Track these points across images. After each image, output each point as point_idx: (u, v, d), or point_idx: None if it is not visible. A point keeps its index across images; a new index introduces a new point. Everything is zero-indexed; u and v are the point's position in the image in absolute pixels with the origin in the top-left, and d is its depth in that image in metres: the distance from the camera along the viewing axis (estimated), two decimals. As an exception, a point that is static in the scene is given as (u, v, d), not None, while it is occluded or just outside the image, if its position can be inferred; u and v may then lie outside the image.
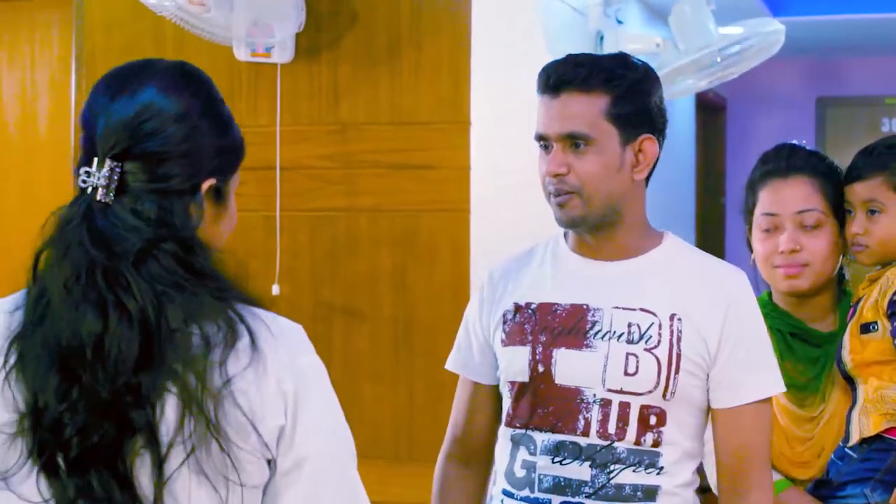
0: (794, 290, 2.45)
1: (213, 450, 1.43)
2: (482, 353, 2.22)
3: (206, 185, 1.53)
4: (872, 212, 2.39)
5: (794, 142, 2.54)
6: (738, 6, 4.01)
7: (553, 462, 2.06)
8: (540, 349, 2.09)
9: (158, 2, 3.34)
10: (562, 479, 2.06)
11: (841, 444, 2.36)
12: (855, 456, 2.31)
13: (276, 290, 3.46)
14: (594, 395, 2.05)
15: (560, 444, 2.06)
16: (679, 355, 2.05)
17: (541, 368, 2.09)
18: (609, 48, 3.28)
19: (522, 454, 2.10)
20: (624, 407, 2.05)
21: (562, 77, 2.06)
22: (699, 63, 3.31)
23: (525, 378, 2.10)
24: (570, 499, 2.05)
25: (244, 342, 1.46)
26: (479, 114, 3.45)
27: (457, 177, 3.47)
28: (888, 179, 2.37)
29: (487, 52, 3.44)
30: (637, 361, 2.04)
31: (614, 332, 2.06)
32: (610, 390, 2.05)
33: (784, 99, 7.41)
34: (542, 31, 3.21)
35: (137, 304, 1.42)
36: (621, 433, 2.04)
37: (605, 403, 2.05)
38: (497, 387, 2.21)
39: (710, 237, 6.71)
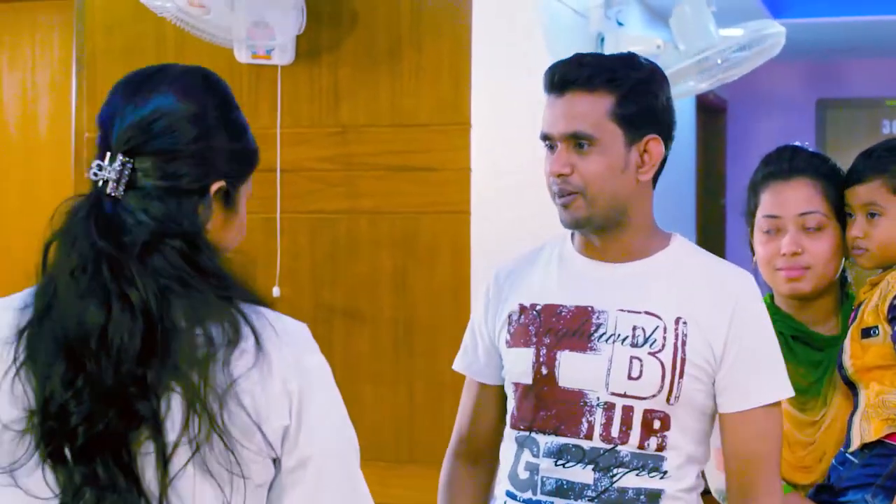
0: (795, 292, 2.44)
1: (217, 449, 1.44)
2: (488, 353, 2.22)
3: (216, 186, 1.55)
4: (872, 215, 2.37)
5: (797, 143, 2.53)
6: (739, 8, 4.02)
7: (556, 465, 2.06)
8: (544, 351, 2.08)
9: (159, 4, 3.34)
10: (565, 483, 2.05)
11: (842, 449, 2.34)
12: (856, 461, 2.30)
13: (276, 292, 3.46)
14: (597, 399, 2.04)
15: (563, 446, 2.05)
16: (684, 360, 2.03)
17: (544, 371, 2.08)
18: (609, 50, 3.28)
19: (526, 456, 2.10)
20: (627, 411, 2.03)
21: (566, 76, 2.05)
22: (700, 65, 3.31)
23: (529, 380, 2.10)
24: (572, 502, 2.04)
25: (249, 343, 1.47)
26: (479, 115, 3.44)
27: (457, 178, 3.46)
28: (888, 182, 2.36)
29: (488, 54, 3.44)
30: (641, 365, 2.03)
31: (619, 335, 2.05)
32: (613, 394, 2.04)
33: (784, 101, 7.41)
34: (543, 34, 3.21)
35: (140, 295, 1.43)
36: (625, 437, 2.03)
37: (609, 407, 2.04)
38: (503, 387, 2.20)
39: (711, 239, 6.70)
